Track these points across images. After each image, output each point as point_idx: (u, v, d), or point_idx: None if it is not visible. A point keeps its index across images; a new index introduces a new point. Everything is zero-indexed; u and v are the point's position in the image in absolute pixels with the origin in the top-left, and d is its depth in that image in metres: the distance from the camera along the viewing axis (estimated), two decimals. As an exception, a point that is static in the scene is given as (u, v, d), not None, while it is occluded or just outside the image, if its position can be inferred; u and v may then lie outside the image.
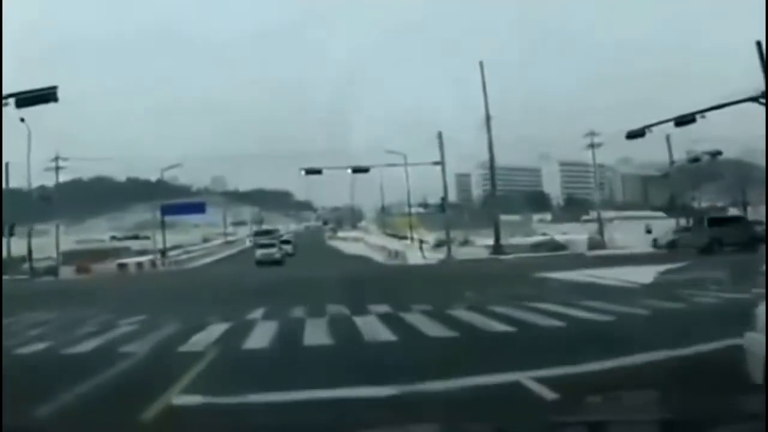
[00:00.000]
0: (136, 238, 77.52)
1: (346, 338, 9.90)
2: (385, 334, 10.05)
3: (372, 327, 10.85)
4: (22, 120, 40.61)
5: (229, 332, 11.24)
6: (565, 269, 23.65)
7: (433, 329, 10.20)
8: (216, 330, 11.46)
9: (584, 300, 13.59)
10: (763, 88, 26.12)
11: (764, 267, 14.03)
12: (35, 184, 54.70)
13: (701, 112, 30.85)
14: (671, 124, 32.36)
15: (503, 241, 44.51)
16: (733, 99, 29.18)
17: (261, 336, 10.49)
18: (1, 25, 19.53)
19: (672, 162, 49.84)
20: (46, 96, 21.00)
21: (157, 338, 10.87)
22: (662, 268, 21.76)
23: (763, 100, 25.79)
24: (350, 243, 67.97)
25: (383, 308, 13.54)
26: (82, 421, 5.28)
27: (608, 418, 2.42)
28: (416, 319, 11.68)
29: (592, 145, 57.19)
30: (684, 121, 31.03)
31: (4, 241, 42.77)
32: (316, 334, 10.33)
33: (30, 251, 47.12)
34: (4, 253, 42.64)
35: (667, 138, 48.09)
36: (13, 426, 2.44)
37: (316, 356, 8.69)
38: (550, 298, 14.14)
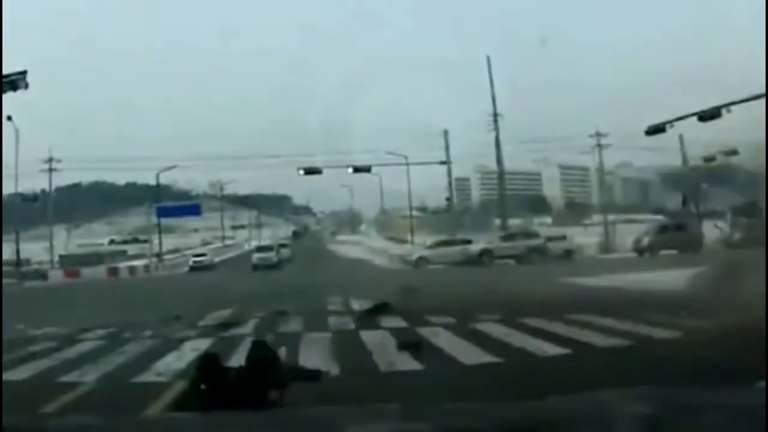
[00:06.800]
0: (135, 241, 76.22)
1: (352, 364, 7.75)
2: (401, 359, 7.85)
3: (385, 347, 8.66)
4: (9, 118, 38.83)
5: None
6: (590, 275, 21.55)
7: (465, 352, 7.93)
8: (192, 350, 9.32)
9: (639, 312, 11.42)
10: None
11: None
12: (33, 186, 53.36)
13: (727, 105, 28.80)
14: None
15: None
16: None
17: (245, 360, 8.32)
18: (1, 25, 17.21)
19: (685, 162, 47.96)
20: (14, 83, 18.44)
21: (116, 361, 8.72)
22: (691, 271, 19.57)
23: None
24: (350, 246, 66.72)
25: (395, 321, 11.37)
26: None
27: None
28: (439, 336, 9.45)
29: (599, 146, 55.65)
30: (708, 116, 28.87)
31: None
32: (315, 356, 8.17)
33: (18, 254, 46.18)
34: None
35: (680, 137, 46.62)
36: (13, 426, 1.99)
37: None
38: (593, 309, 11.95)
